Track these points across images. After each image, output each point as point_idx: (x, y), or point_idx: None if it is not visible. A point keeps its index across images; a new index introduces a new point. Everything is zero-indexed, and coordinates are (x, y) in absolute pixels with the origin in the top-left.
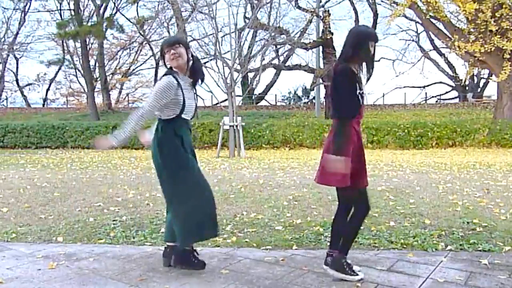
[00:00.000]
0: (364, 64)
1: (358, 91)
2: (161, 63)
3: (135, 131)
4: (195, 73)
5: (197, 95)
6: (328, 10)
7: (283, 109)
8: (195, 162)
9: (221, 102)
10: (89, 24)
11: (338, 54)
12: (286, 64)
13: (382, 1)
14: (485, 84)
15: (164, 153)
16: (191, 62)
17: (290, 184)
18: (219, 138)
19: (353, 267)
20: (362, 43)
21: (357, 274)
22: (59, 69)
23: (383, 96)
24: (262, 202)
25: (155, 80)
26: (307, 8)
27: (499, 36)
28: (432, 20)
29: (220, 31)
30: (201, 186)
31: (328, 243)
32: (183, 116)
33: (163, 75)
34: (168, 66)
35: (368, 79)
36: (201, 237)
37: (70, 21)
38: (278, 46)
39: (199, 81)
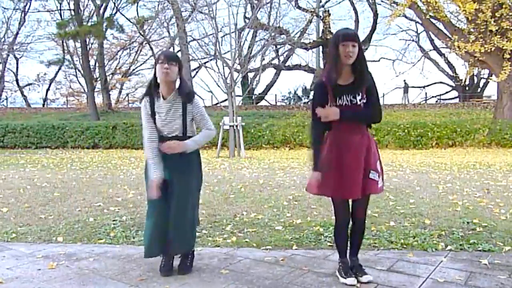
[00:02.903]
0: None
1: (330, 104)
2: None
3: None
4: (181, 94)
5: (185, 112)
6: (328, 10)
7: (283, 109)
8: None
9: (221, 102)
10: (89, 24)
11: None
12: (286, 64)
13: (382, 1)
14: (485, 84)
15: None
16: (178, 82)
17: (290, 184)
18: (219, 138)
19: (348, 271)
20: (330, 47)
21: (344, 278)
22: (59, 69)
23: (383, 96)
24: (262, 202)
25: None
26: (307, 8)
27: (499, 36)
28: (432, 20)
29: (220, 31)
30: (158, 207)
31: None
32: (161, 134)
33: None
34: (152, 78)
35: (359, 86)
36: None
37: (70, 21)
38: (278, 46)
39: (188, 100)
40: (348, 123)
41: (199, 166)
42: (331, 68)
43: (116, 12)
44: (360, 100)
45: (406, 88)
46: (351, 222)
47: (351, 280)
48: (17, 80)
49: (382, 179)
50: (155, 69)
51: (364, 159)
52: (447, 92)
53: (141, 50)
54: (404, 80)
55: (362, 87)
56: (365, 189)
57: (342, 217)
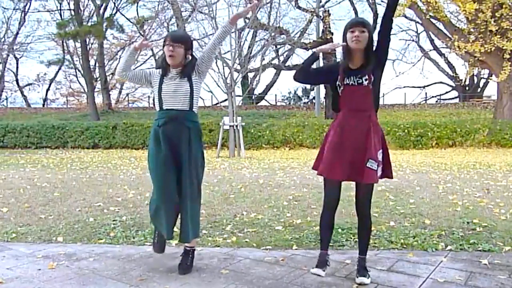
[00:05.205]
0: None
1: (340, 82)
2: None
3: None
4: (184, 72)
5: (192, 84)
6: (328, 10)
7: (283, 109)
8: (162, 162)
9: (221, 102)
10: (89, 24)
11: (337, 54)
12: (286, 64)
13: (382, 1)
14: (485, 84)
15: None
16: (187, 60)
17: (290, 184)
18: (219, 138)
19: (320, 264)
20: (342, 36)
21: (313, 268)
22: (59, 69)
23: (383, 96)
24: (262, 202)
25: None
26: (307, 8)
27: (499, 36)
28: (432, 20)
29: None
30: (162, 187)
31: (330, 244)
32: (163, 107)
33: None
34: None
35: (365, 69)
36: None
37: (70, 21)
38: (278, 46)
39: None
40: (356, 106)
41: (200, 141)
42: (343, 54)
43: (116, 12)
44: (366, 81)
45: None
46: (357, 220)
47: (316, 270)
48: (17, 80)
49: (388, 168)
50: (163, 50)
51: (363, 145)
52: (447, 92)
53: (141, 50)
54: None
55: (368, 70)
56: (362, 177)
57: (327, 199)
